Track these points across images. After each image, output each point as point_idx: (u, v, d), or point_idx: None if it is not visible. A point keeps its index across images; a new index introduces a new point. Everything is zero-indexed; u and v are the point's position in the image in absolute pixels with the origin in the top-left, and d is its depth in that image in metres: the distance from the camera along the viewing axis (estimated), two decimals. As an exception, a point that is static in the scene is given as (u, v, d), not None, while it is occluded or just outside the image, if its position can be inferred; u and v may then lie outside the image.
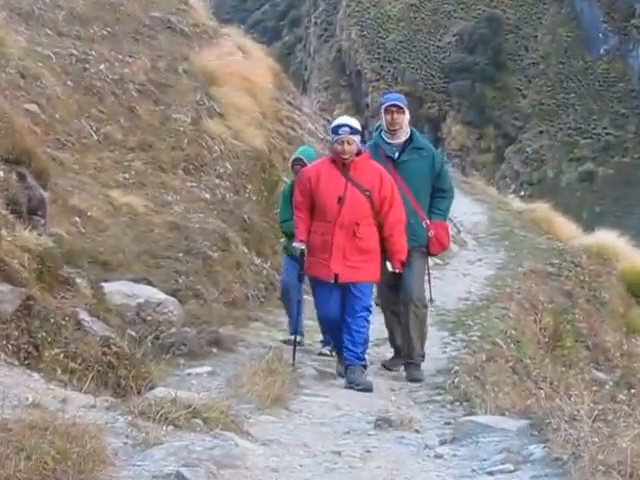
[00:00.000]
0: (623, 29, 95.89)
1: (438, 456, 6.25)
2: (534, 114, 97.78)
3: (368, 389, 9.61)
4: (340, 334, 9.90)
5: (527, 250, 19.57)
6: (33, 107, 14.92)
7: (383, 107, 10.45)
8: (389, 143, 10.44)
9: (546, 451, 5.71)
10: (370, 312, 10.00)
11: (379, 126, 10.73)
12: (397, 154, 10.35)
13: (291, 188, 11.38)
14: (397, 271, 9.86)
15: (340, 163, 9.71)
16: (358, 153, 9.70)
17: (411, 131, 10.51)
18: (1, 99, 11.83)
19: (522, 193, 34.02)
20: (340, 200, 9.59)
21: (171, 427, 5.66)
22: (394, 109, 10.31)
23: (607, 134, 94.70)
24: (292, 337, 11.09)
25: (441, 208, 10.51)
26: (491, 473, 5.62)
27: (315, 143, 20.70)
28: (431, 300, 10.97)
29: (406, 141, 10.42)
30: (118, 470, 4.92)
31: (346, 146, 9.56)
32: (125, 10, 20.42)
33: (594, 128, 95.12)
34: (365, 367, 10.12)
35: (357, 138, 9.67)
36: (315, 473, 5.58)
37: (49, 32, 17.81)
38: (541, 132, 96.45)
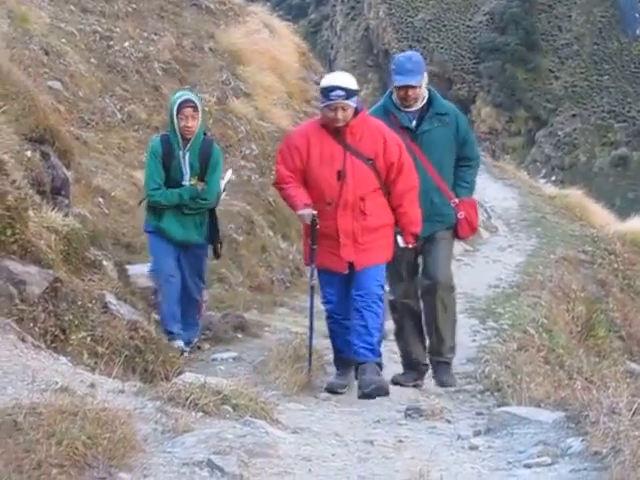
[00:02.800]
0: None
1: (472, 447, 6.22)
2: (567, 97, 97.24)
3: (385, 392, 8.31)
4: (344, 332, 8.56)
5: (559, 237, 19.49)
6: (56, 85, 14.95)
7: (395, 84, 9.03)
8: (403, 110, 9.02)
9: (584, 445, 5.69)
10: (384, 291, 8.65)
11: (390, 93, 9.32)
12: (415, 123, 8.99)
13: (162, 142, 9.85)
14: (410, 246, 8.56)
15: (333, 129, 8.29)
16: (356, 112, 8.30)
17: (430, 93, 9.13)
18: (24, 76, 11.86)
19: (553, 178, 33.89)
20: (340, 176, 8.23)
21: (200, 414, 5.68)
22: (409, 91, 8.89)
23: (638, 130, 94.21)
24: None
25: (468, 180, 9.29)
26: (528, 466, 5.59)
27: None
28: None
29: (424, 107, 9.05)
30: (148, 457, 4.95)
31: (340, 113, 8.15)
32: (150, -14, 20.42)
33: (629, 111, 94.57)
34: (381, 366, 8.62)
35: (353, 101, 8.25)
36: (348, 463, 5.56)
37: (73, 8, 17.84)
38: (574, 115, 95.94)
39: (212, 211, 9.93)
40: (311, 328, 8.93)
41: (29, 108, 10.37)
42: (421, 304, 9.28)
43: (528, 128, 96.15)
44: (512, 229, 20.71)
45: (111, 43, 17.74)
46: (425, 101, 9.00)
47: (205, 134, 10.05)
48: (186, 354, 9.79)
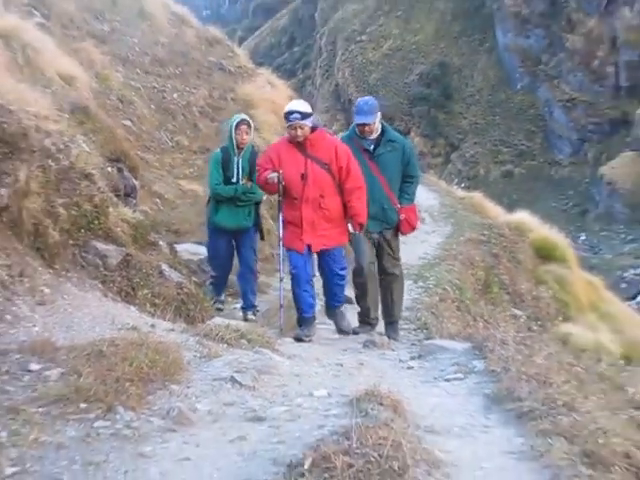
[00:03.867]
0: (533, 72, 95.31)
1: (409, 368, 6.29)
2: (471, 130, 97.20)
3: (354, 332, 8.45)
4: (305, 294, 8.09)
5: (467, 225, 19.51)
6: (128, 123, 14.94)
7: (355, 121, 8.66)
8: (364, 138, 8.64)
9: (485, 365, 5.76)
10: (345, 270, 8.37)
11: (354, 125, 8.77)
12: (373, 147, 8.59)
13: (222, 151, 9.53)
14: (357, 232, 8.16)
15: (296, 142, 7.93)
16: (313, 129, 7.96)
17: (383, 126, 8.75)
18: (107, 117, 11.84)
19: (462, 185, 33.81)
20: (303, 177, 7.88)
21: (225, 345, 5.70)
22: (365, 127, 8.53)
23: (522, 145, 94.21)
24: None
25: (409, 192, 8.85)
26: (447, 380, 5.67)
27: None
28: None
29: (379, 136, 8.65)
30: (190, 374, 4.98)
31: (298, 131, 7.82)
32: (191, 56, 20.36)
33: (512, 140, 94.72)
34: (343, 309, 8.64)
35: (309, 121, 7.87)
36: (325, 378, 5.62)
37: (139, 71, 17.80)
38: (475, 143, 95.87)
39: (257, 203, 9.67)
40: (281, 302, 8.44)
41: (110, 138, 10.38)
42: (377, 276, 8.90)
43: (445, 151, 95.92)
44: (435, 219, 20.68)
45: (165, 94, 17.72)
46: (379, 132, 8.64)
47: (252, 146, 9.77)
48: (220, 307, 9.65)
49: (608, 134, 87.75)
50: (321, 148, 7.95)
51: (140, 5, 20.61)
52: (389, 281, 8.84)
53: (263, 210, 10.64)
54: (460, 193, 28.07)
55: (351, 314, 9.00)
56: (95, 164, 8.40)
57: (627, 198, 78.66)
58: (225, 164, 9.35)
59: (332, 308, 8.53)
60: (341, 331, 8.47)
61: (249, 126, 9.44)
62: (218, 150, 9.64)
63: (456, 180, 46.95)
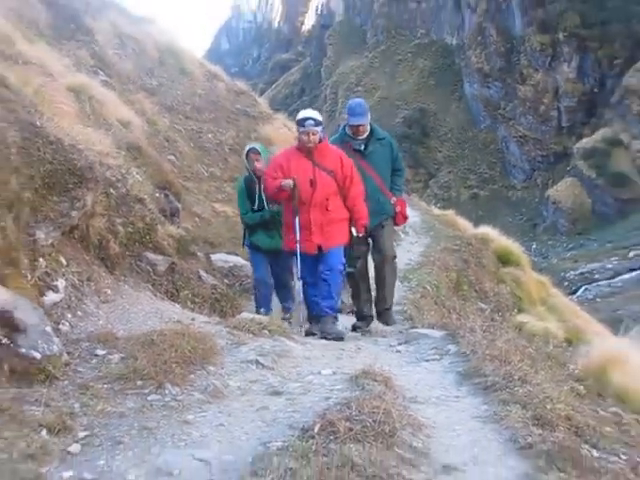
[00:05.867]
0: (493, 115, 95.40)
1: (397, 351, 6.21)
2: (445, 161, 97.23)
3: (340, 338, 6.91)
4: (313, 291, 7.29)
5: (442, 237, 19.36)
6: (172, 158, 14.91)
7: (349, 124, 7.83)
8: (355, 138, 7.80)
9: (457, 348, 5.70)
10: (344, 267, 7.43)
11: (345, 125, 7.99)
12: (363, 147, 7.77)
13: (245, 181, 8.52)
14: (361, 234, 7.39)
15: (305, 150, 7.09)
16: (320, 140, 7.13)
17: (371, 126, 7.92)
18: (155, 153, 11.86)
19: (438, 205, 33.82)
20: (312, 183, 7.06)
21: (251, 334, 5.64)
22: (360, 127, 7.74)
23: (485, 173, 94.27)
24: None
25: (399, 184, 8.02)
26: (427, 360, 5.63)
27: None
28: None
29: (368, 136, 7.83)
30: (223, 358, 4.95)
31: (311, 136, 7.01)
32: (221, 104, 20.36)
33: (478, 169, 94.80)
34: (337, 318, 7.43)
35: (319, 128, 7.12)
36: (330, 360, 5.59)
37: (181, 117, 17.79)
38: (449, 172, 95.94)
39: None
40: (300, 300, 7.61)
41: (158, 170, 10.37)
42: (372, 271, 8.10)
43: (425, 179, 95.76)
44: (417, 233, 20.52)
45: (201, 135, 17.70)
46: (368, 132, 7.83)
47: None
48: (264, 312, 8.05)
49: (553, 164, 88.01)
50: (327, 157, 7.18)
51: (181, 64, 20.65)
52: (383, 262, 7.91)
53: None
54: (437, 211, 27.86)
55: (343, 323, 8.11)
56: (146, 191, 8.42)
57: (568, 214, 79.00)
58: (250, 192, 8.39)
59: (324, 314, 7.21)
60: (326, 338, 6.91)
61: (258, 153, 8.35)
62: (242, 180, 8.65)
63: (433, 201, 46.88)
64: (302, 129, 7.03)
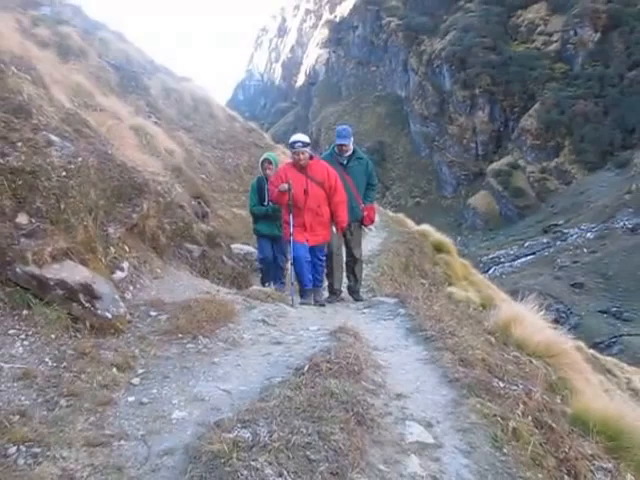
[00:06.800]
0: (430, 146, 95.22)
1: (363, 313, 6.20)
2: (397, 179, 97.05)
3: (323, 304, 6.78)
4: (306, 271, 6.92)
5: (395, 232, 19.25)
6: (203, 176, 14.78)
7: (336, 144, 7.46)
8: (340, 155, 7.43)
9: (405, 311, 5.69)
10: (325, 257, 7.19)
11: (334, 145, 7.56)
12: (346, 161, 7.42)
13: (257, 181, 8.21)
14: (339, 233, 7.16)
15: (299, 166, 6.70)
16: (311, 157, 6.79)
17: (354, 148, 7.66)
18: (191, 173, 11.77)
19: (392, 210, 33.79)
20: (305, 192, 6.68)
21: (258, 301, 5.60)
22: (343, 147, 7.36)
23: (425, 187, 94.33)
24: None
25: (370, 196, 7.69)
26: (384, 320, 5.60)
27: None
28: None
29: (351, 154, 7.53)
30: (239, 318, 4.90)
31: (301, 156, 6.62)
32: (239, 138, 20.17)
33: (419, 184, 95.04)
34: (321, 288, 7.26)
35: (308, 148, 6.73)
36: (316, 318, 5.56)
37: (209, 147, 17.59)
38: (399, 186, 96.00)
39: None
40: (292, 281, 7.10)
41: (193, 185, 10.28)
42: (344, 258, 7.69)
43: (383, 191, 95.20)
44: (377, 229, 20.31)
45: (224, 160, 17.53)
46: (351, 151, 7.51)
47: None
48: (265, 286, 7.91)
49: (472, 181, 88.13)
50: (316, 171, 6.75)
51: (210, 110, 20.49)
52: (354, 262, 7.74)
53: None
54: (391, 214, 27.76)
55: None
56: (185, 200, 8.35)
57: (483, 217, 79.44)
58: (259, 190, 8.16)
59: (314, 287, 7.10)
60: (317, 302, 6.96)
61: (270, 163, 8.05)
62: (255, 180, 8.37)
63: (389, 207, 46.90)
64: (293, 150, 6.71)
